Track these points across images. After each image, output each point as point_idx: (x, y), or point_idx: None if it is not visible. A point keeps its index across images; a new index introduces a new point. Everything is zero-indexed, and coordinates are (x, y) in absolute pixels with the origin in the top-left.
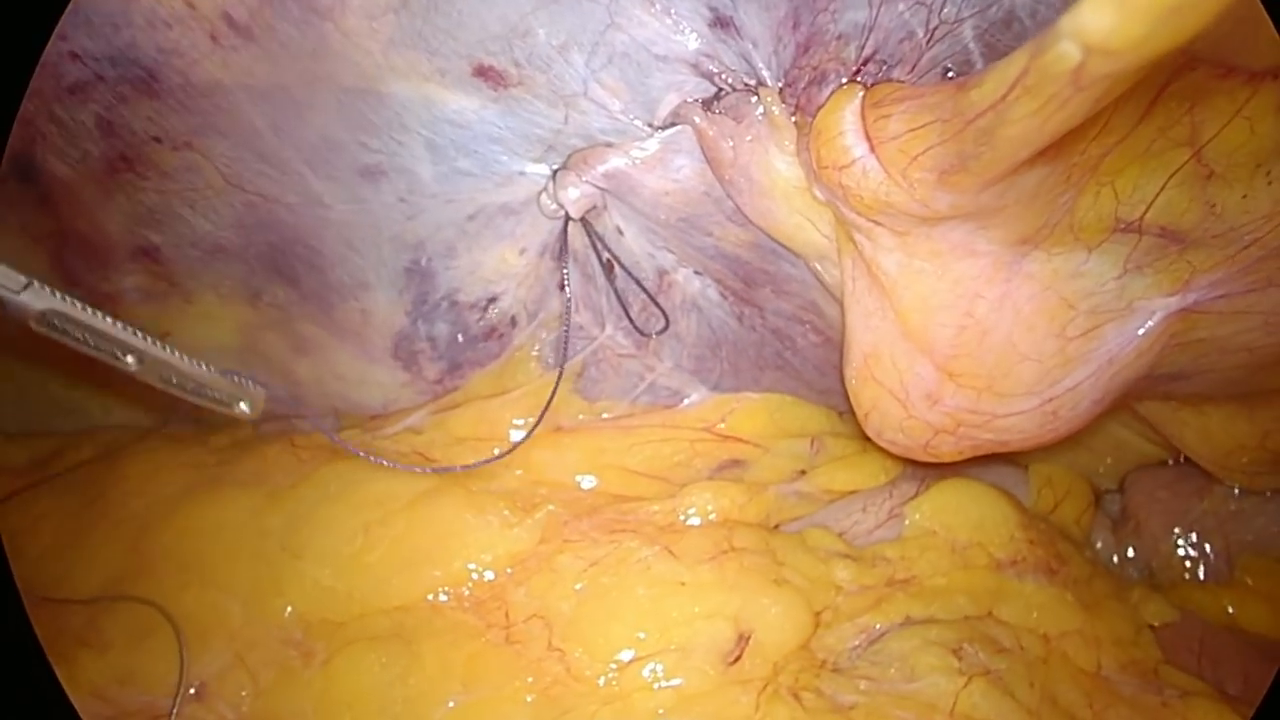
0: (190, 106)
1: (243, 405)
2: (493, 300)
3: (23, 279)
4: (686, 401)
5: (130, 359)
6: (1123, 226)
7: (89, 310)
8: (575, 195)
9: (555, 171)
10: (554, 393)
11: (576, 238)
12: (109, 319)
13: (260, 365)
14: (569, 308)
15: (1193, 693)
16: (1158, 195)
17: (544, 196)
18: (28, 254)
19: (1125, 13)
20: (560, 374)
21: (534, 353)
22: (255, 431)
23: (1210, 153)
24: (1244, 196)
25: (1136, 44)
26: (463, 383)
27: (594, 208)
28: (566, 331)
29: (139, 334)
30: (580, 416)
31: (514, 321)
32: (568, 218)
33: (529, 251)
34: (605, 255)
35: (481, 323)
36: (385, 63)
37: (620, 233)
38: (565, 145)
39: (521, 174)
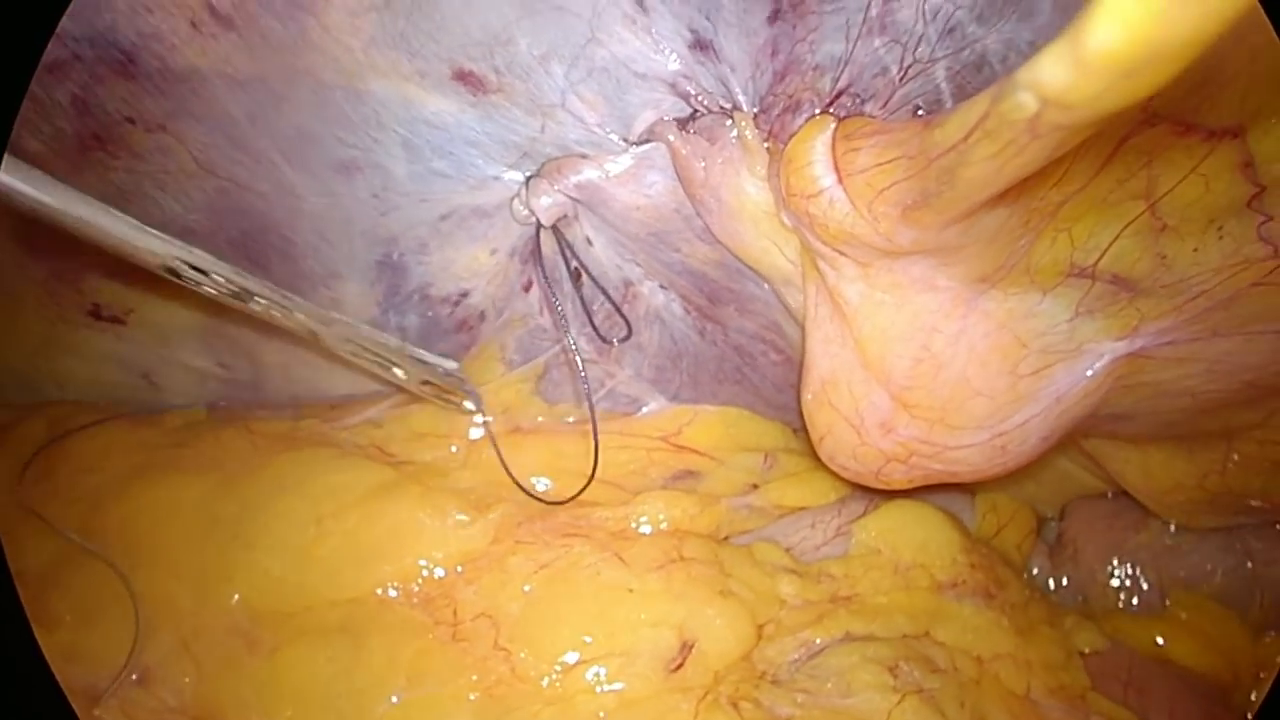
0: (166, 91)
1: (468, 404)
2: (464, 295)
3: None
4: (645, 410)
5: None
6: (1076, 272)
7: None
8: (548, 203)
9: (529, 179)
10: (594, 432)
11: (546, 243)
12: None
13: (227, 348)
14: (561, 317)
15: None
16: (1111, 244)
17: (516, 202)
18: None
19: (1081, 70)
20: (587, 394)
21: (499, 352)
22: (209, 415)
23: (1165, 206)
24: (1195, 250)
25: (1090, 100)
26: None
27: (564, 216)
28: (567, 331)
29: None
30: (540, 419)
31: (483, 316)
32: (539, 225)
33: (500, 252)
34: (573, 264)
35: (452, 316)
36: (365, 60)
37: (589, 243)
38: (540, 153)
39: (496, 179)
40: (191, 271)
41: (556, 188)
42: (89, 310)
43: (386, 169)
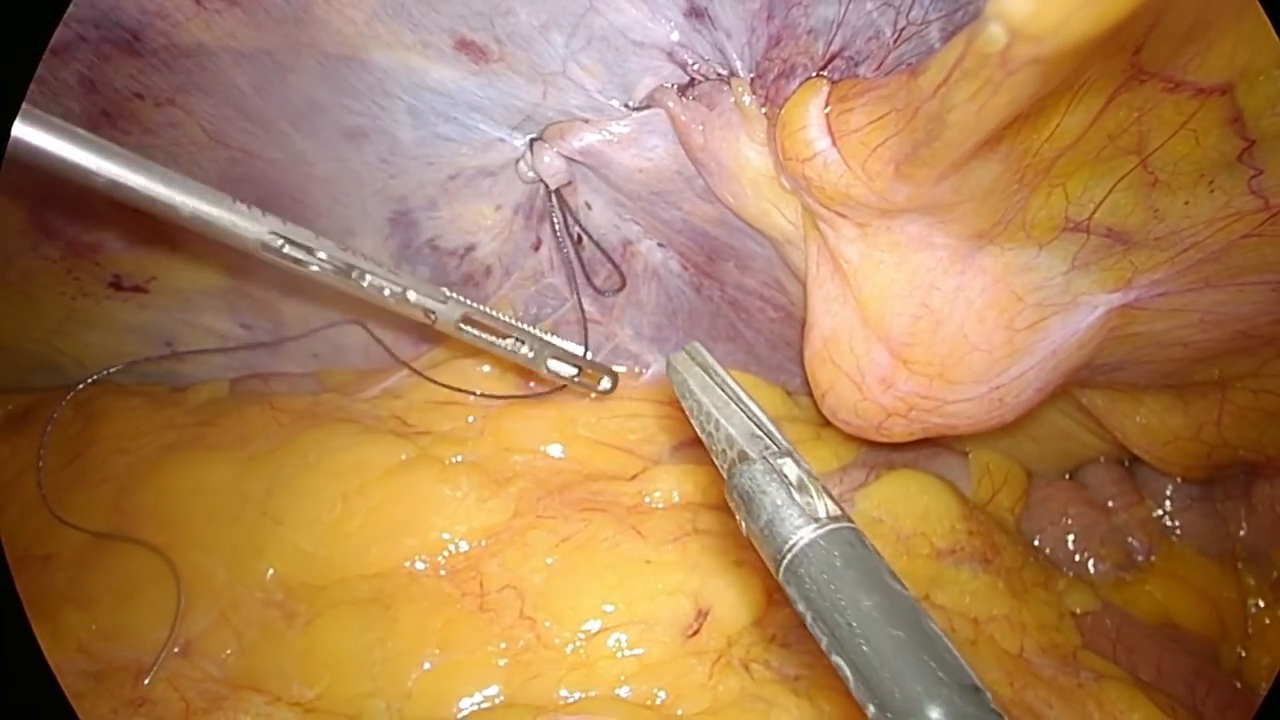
0: (173, 66)
1: (604, 383)
2: (470, 249)
3: (443, 294)
4: (650, 372)
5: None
6: (1071, 226)
7: (489, 311)
8: (552, 165)
9: (532, 141)
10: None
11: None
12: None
13: (249, 307)
14: (568, 251)
15: (1107, 676)
16: (1105, 198)
17: (522, 164)
18: (5, 208)
19: None
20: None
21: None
22: (231, 392)
23: (1156, 161)
24: (1187, 203)
25: (1054, 28)
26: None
27: (569, 183)
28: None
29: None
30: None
31: (489, 271)
32: (548, 187)
33: (504, 208)
34: (575, 230)
35: (459, 269)
36: (368, 32)
37: (588, 207)
38: (543, 117)
39: (500, 140)
40: (292, 248)
41: (559, 151)
42: (110, 282)
43: (393, 135)
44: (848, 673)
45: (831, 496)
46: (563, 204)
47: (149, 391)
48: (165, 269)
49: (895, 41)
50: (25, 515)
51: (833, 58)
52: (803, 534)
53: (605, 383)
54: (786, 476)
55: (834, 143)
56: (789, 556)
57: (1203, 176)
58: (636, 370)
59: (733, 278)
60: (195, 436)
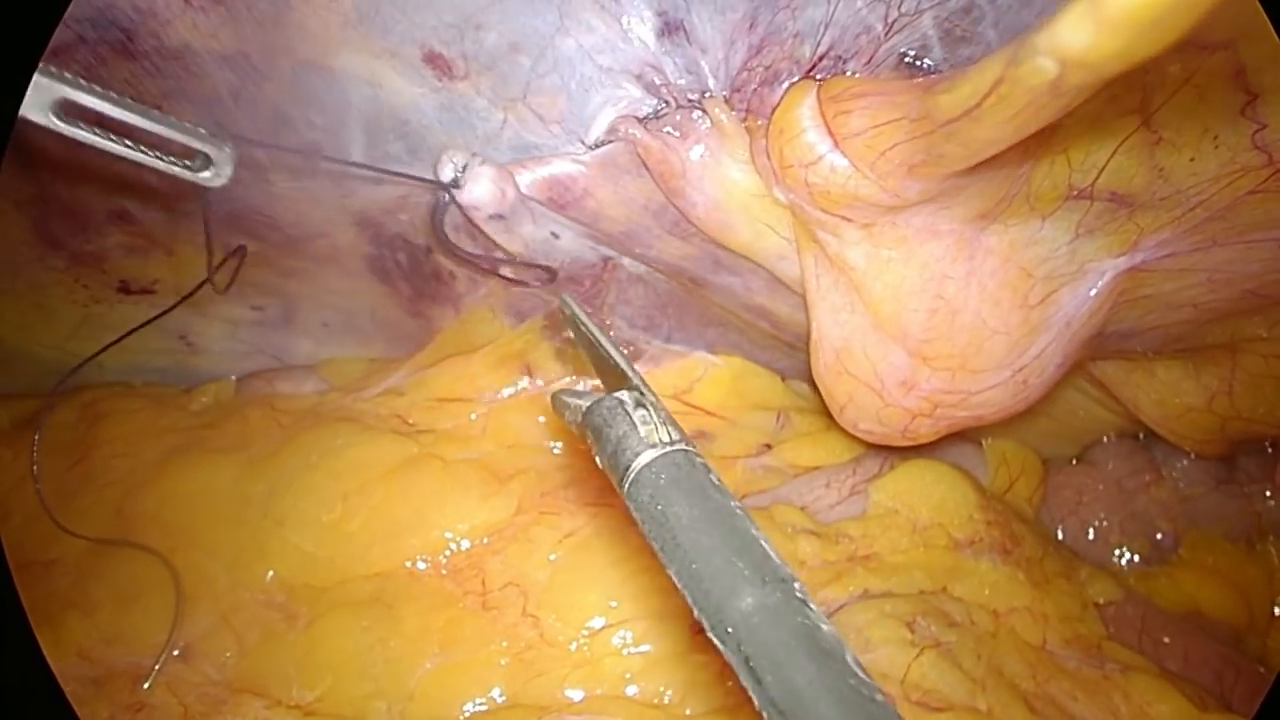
0: (163, 69)
1: (205, 173)
2: (430, 252)
3: None
4: (644, 358)
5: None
6: (1075, 193)
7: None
8: (480, 191)
9: (481, 160)
10: None
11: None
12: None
13: (253, 288)
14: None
15: (1133, 668)
16: (1108, 161)
17: (448, 165)
18: (10, 219)
19: (1103, 30)
20: None
21: (490, 315)
22: (236, 393)
23: (1160, 119)
24: (1191, 159)
25: (1114, 57)
26: (432, 312)
27: (501, 217)
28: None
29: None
30: (552, 367)
31: (453, 275)
32: (447, 198)
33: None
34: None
35: (427, 265)
36: (341, 37)
37: (555, 236)
38: (500, 152)
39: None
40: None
41: (523, 187)
42: (118, 287)
43: (346, 155)
44: (675, 581)
45: (674, 423)
46: (457, 252)
47: (155, 393)
48: (165, 273)
49: (886, 35)
50: (29, 520)
51: (820, 59)
52: (641, 459)
53: (205, 174)
54: (629, 408)
55: (836, 145)
56: (628, 481)
57: (1206, 132)
58: (634, 358)
59: (717, 298)
60: (197, 440)
